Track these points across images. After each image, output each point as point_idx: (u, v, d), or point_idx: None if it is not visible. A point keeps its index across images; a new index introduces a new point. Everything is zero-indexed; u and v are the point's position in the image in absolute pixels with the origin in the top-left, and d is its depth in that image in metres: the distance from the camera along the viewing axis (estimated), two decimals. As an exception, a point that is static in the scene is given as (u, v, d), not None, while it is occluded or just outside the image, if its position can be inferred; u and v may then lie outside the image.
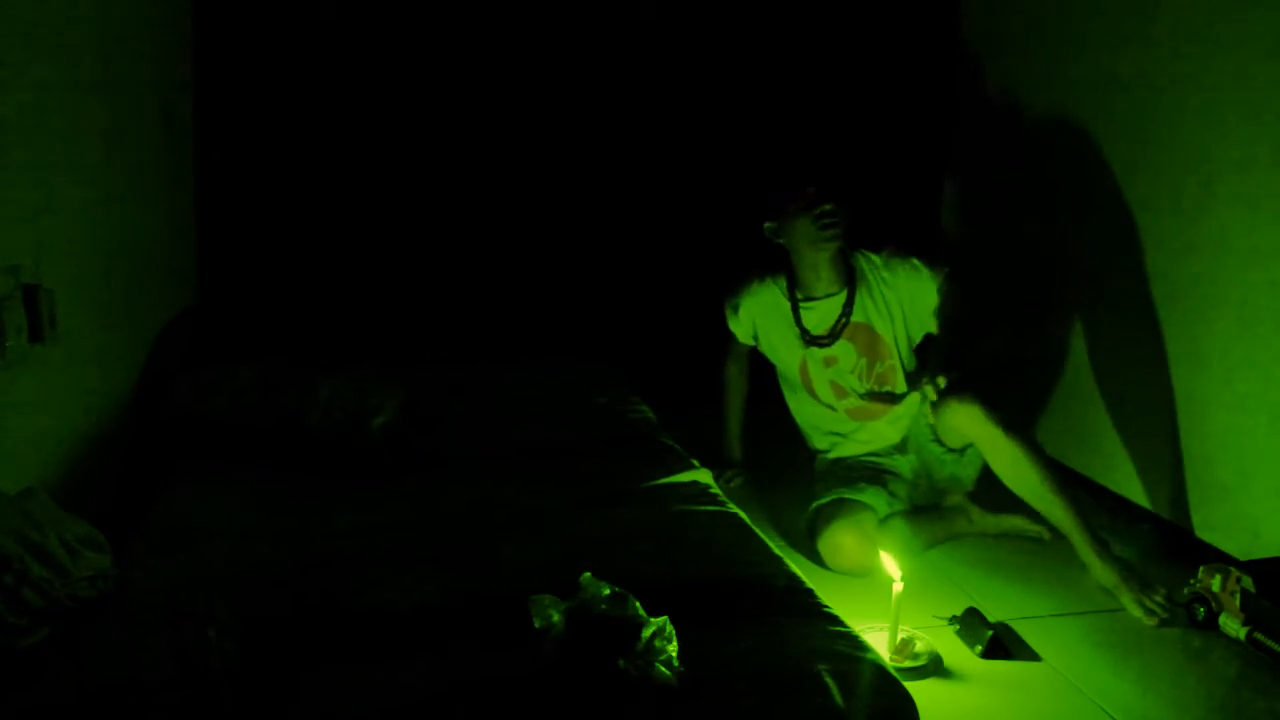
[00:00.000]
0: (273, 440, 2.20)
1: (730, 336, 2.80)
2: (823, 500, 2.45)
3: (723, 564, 1.77)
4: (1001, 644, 2.03)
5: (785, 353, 2.69)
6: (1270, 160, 2.29)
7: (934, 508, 2.61)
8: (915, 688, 1.46)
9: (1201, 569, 2.16)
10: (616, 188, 3.38)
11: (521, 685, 1.35)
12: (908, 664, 1.92)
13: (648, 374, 2.92)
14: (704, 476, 2.16)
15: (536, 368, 2.92)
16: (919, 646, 1.96)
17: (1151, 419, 2.64)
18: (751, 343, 2.77)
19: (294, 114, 3.12)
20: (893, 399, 2.60)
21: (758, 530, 1.96)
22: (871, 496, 2.44)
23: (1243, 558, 2.26)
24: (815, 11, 3.41)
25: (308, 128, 3.13)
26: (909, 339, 2.63)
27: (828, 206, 2.52)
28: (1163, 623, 2.15)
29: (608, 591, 1.43)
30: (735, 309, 2.74)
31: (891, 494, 2.52)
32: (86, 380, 2.09)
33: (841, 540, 2.32)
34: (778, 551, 1.84)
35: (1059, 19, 3.02)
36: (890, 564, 2.00)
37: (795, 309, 2.64)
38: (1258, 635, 2.03)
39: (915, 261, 2.59)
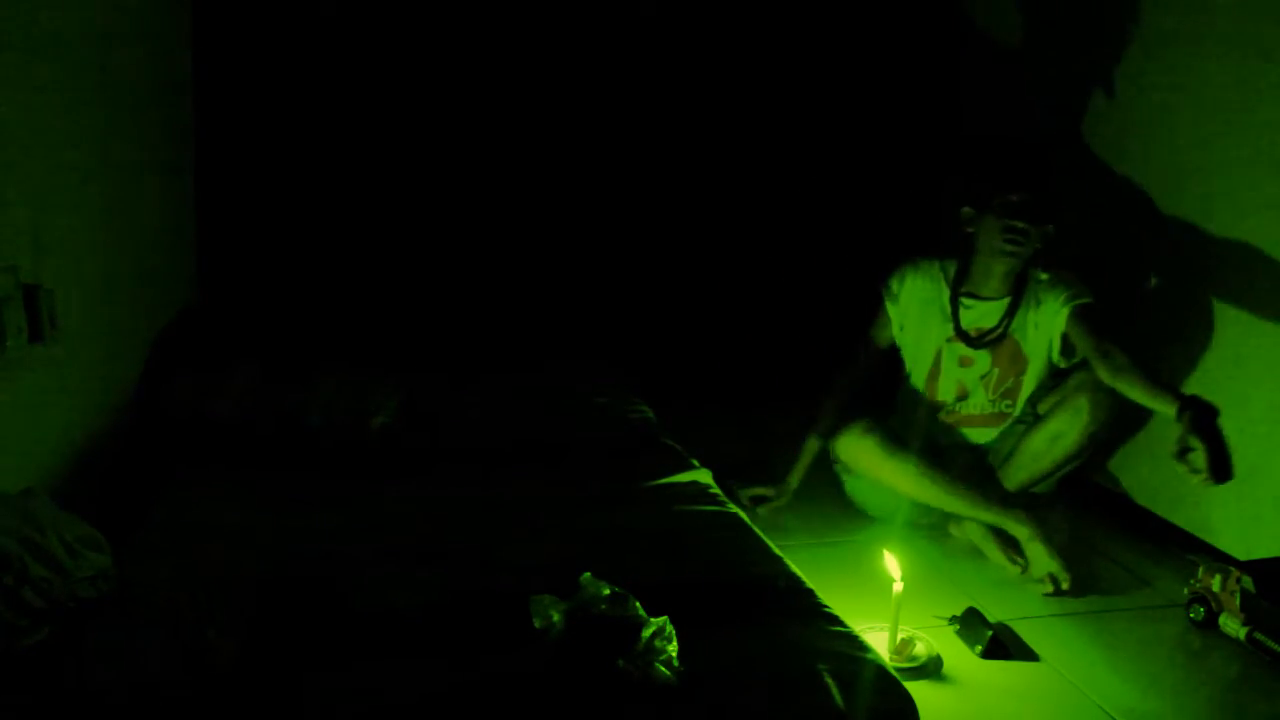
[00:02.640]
0: (273, 440, 2.21)
1: (865, 342, 2.67)
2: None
3: (723, 564, 1.77)
4: (1001, 644, 2.03)
5: (924, 342, 2.60)
6: (1269, 162, 2.30)
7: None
8: (915, 688, 1.47)
9: (1201, 569, 2.16)
10: (622, 188, 3.37)
11: (521, 685, 1.35)
12: (908, 664, 1.92)
13: (652, 379, 2.90)
14: (704, 476, 2.17)
15: (536, 368, 2.91)
16: (919, 647, 1.96)
17: (1151, 419, 2.64)
18: (897, 333, 2.63)
19: (295, 113, 3.11)
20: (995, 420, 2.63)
21: (757, 530, 1.97)
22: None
23: (1243, 558, 2.26)
24: (820, 15, 3.41)
25: (309, 127, 3.13)
26: (1050, 362, 2.55)
27: (1019, 224, 2.41)
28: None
29: (608, 591, 1.43)
30: (896, 289, 2.61)
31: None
32: (86, 380, 2.09)
33: (847, 439, 2.52)
34: (778, 552, 1.84)
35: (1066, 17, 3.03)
36: (891, 564, 2.00)
37: (955, 299, 2.56)
38: (1258, 635, 2.03)
39: (1065, 284, 2.49)
